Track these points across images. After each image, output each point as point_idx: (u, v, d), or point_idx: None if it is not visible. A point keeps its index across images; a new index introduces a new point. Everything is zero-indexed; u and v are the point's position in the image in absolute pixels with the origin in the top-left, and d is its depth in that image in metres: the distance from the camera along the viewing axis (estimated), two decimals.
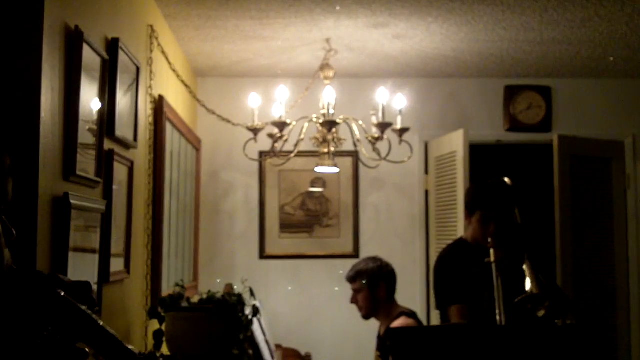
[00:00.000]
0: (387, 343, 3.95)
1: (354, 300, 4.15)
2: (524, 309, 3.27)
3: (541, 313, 3.24)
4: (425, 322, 5.04)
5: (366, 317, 4.15)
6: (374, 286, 4.06)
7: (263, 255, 5.77)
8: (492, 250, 3.45)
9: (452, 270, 3.70)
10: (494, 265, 3.39)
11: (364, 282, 4.07)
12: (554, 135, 5.45)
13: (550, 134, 5.67)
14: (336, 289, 5.42)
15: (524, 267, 3.37)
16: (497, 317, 3.25)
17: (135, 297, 3.56)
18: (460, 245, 3.80)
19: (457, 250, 3.79)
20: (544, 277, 3.37)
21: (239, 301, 3.56)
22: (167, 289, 3.98)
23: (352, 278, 4.14)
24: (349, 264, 4.27)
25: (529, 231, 3.77)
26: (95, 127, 2.76)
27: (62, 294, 1.28)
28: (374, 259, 4.18)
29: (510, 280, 3.38)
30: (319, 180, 5.79)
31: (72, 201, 2.42)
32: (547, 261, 4.32)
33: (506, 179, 3.76)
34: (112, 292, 3.07)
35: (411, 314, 4.02)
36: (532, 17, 4.31)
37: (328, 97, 4.45)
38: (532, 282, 3.29)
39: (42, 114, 2.22)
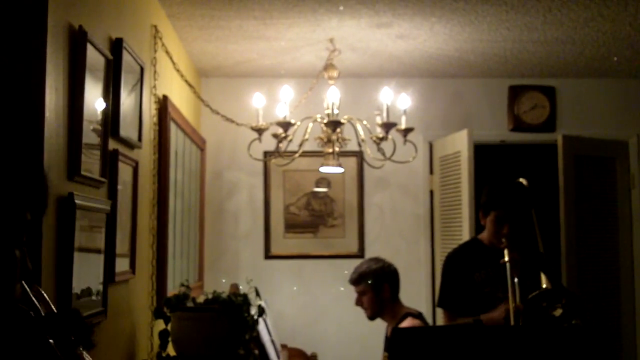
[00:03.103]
0: (395, 344, 3.97)
1: (358, 303, 4.14)
2: (539, 308, 3.26)
3: (558, 312, 3.23)
4: (430, 323, 5.03)
5: (371, 317, 4.15)
6: (378, 287, 4.05)
7: (268, 255, 5.77)
8: (506, 251, 3.45)
9: (453, 272, 3.71)
10: (508, 266, 3.39)
11: (368, 283, 4.06)
12: (558, 135, 5.45)
13: (554, 134, 5.67)
14: (341, 289, 5.42)
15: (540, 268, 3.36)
16: (512, 317, 3.26)
17: (141, 297, 3.56)
18: (472, 245, 3.79)
19: (467, 250, 3.78)
20: (552, 277, 3.37)
21: (245, 301, 3.57)
22: (172, 289, 3.98)
23: (356, 280, 4.13)
24: (354, 264, 4.27)
25: (545, 232, 3.75)
26: (99, 127, 2.76)
27: (51, 342, 1.32)
28: (376, 260, 4.18)
29: (526, 281, 3.38)
30: (323, 180, 5.80)
31: (76, 201, 2.43)
32: (555, 261, 4.32)
33: (522, 180, 3.74)
34: (118, 292, 3.07)
35: (417, 315, 4.01)
36: (535, 17, 4.31)
37: (332, 97, 4.44)
38: (546, 280, 3.29)
39: (47, 114, 2.22)
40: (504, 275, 3.38)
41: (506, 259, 3.42)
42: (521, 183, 3.71)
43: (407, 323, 3.91)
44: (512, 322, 3.28)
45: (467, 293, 3.58)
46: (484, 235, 3.75)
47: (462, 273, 3.64)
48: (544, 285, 3.28)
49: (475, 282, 3.58)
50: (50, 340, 1.32)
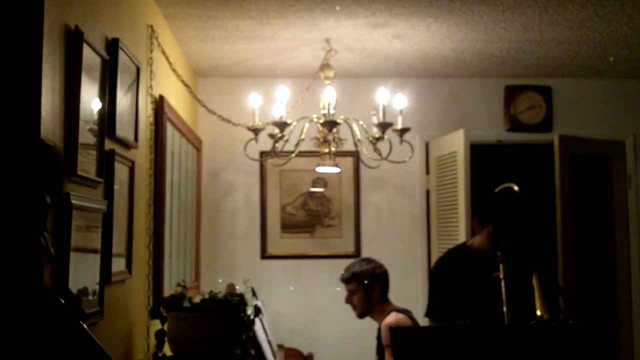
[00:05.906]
0: (381, 342, 4.01)
1: (348, 300, 4.25)
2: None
3: None
4: (420, 320, 5.05)
5: (361, 316, 4.27)
6: (368, 287, 4.16)
7: (264, 255, 5.77)
8: (501, 266, 3.42)
9: (444, 283, 3.69)
10: (503, 282, 3.37)
11: (359, 283, 4.14)
12: (554, 135, 5.45)
13: (550, 134, 5.67)
14: (338, 289, 5.39)
15: (533, 283, 3.34)
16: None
17: (137, 297, 3.56)
18: (461, 252, 3.77)
19: (456, 258, 3.76)
20: (546, 277, 3.36)
21: (241, 301, 3.57)
22: (169, 289, 3.98)
23: (348, 279, 4.22)
24: None
25: (538, 243, 3.73)
26: (95, 127, 2.76)
27: (85, 326, 1.29)
28: (368, 261, 4.26)
29: (517, 294, 3.37)
30: (320, 180, 5.80)
31: (73, 201, 2.43)
32: (551, 267, 4.31)
33: (514, 187, 3.71)
34: (114, 292, 3.07)
35: (402, 311, 4.09)
36: (532, 17, 4.31)
37: (328, 97, 4.45)
38: (541, 306, 3.25)
39: (43, 114, 2.22)
40: (495, 288, 3.36)
41: (501, 275, 3.39)
42: (514, 190, 3.68)
43: (391, 318, 4.02)
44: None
45: (457, 304, 3.56)
46: (474, 243, 3.72)
47: (453, 284, 3.62)
48: (539, 313, 3.26)
49: (466, 293, 3.56)
50: (84, 324, 1.29)
